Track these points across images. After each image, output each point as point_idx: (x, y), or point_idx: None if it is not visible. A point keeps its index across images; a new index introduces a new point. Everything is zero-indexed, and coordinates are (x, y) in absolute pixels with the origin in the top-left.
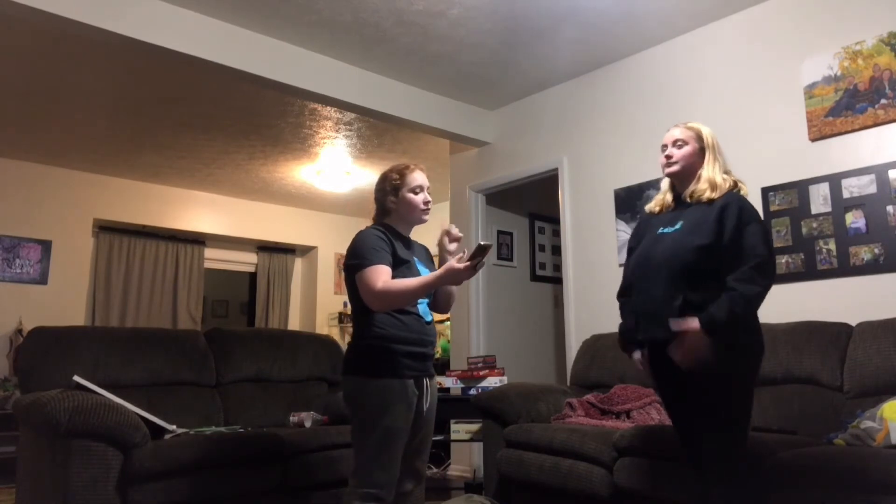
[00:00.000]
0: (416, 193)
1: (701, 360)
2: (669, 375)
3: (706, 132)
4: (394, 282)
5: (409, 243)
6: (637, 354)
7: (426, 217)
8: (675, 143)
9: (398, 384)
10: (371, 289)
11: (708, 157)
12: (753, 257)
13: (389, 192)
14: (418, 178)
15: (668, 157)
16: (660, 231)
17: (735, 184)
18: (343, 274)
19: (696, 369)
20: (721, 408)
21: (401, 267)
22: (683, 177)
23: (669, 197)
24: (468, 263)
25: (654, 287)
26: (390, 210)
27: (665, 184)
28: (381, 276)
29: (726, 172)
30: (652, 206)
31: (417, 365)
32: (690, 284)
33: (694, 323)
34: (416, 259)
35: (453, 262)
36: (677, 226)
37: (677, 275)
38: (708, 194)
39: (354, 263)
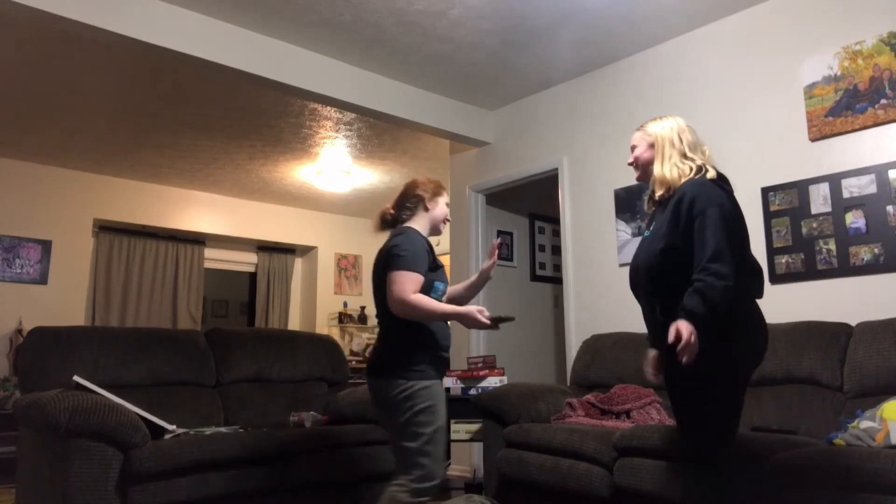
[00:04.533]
0: (447, 206)
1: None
2: (674, 378)
3: (655, 129)
4: (424, 298)
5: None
6: (652, 352)
7: (443, 230)
8: (632, 150)
9: (440, 385)
10: (403, 293)
11: (656, 155)
12: (707, 248)
13: (435, 194)
14: (447, 197)
15: (630, 163)
16: (643, 236)
17: (699, 169)
18: (376, 267)
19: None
20: (698, 407)
21: (437, 271)
22: (647, 179)
23: (650, 201)
24: (488, 322)
25: (641, 296)
26: (427, 210)
27: None
28: (416, 285)
29: (686, 158)
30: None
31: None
32: (666, 290)
33: (679, 324)
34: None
35: (476, 313)
36: (651, 229)
37: (652, 281)
38: (660, 193)
39: (399, 258)
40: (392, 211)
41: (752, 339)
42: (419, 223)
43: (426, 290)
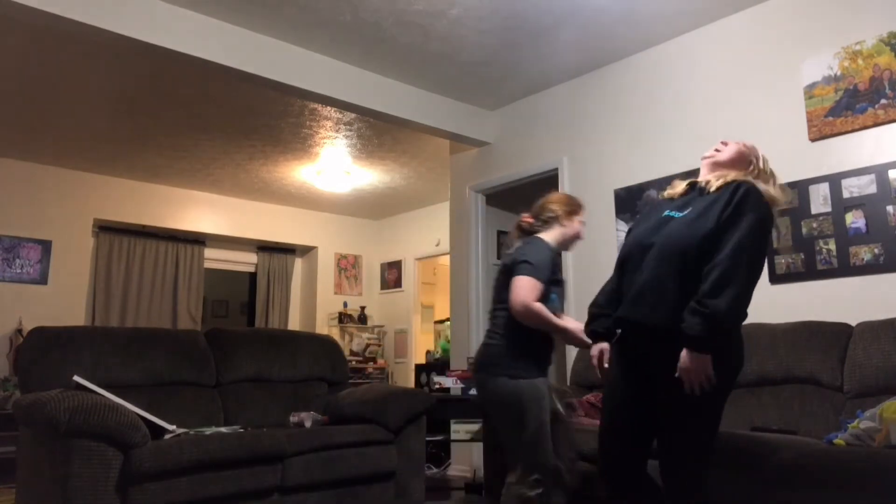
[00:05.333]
0: (582, 224)
1: (706, 376)
2: (637, 373)
3: (762, 155)
4: (543, 308)
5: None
6: (597, 347)
7: (572, 249)
8: (723, 143)
9: (544, 382)
10: (527, 299)
11: (751, 169)
12: (726, 258)
13: (572, 212)
14: (584, 216)
15: (717, 150)
16: (666, 213)
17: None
18: (502, 270)
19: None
20: (690, 423)
21: (558, 288)
22: (715, 168)
23: (684, 184)
24: (590, 340)
25: (647, 267)
26: (563, 226)
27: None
28: (537, 293)
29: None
30: (666, 192)
31: None
32: (692, 274)
33: (682, 356)
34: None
35: (581, 331)
36: (686, 211)
37: (675, 259)
38: (719, 183)
39: (526, 265)
40: (529, 220)
41: (736, 359)
42: (551, 235)
43: (542, 299)
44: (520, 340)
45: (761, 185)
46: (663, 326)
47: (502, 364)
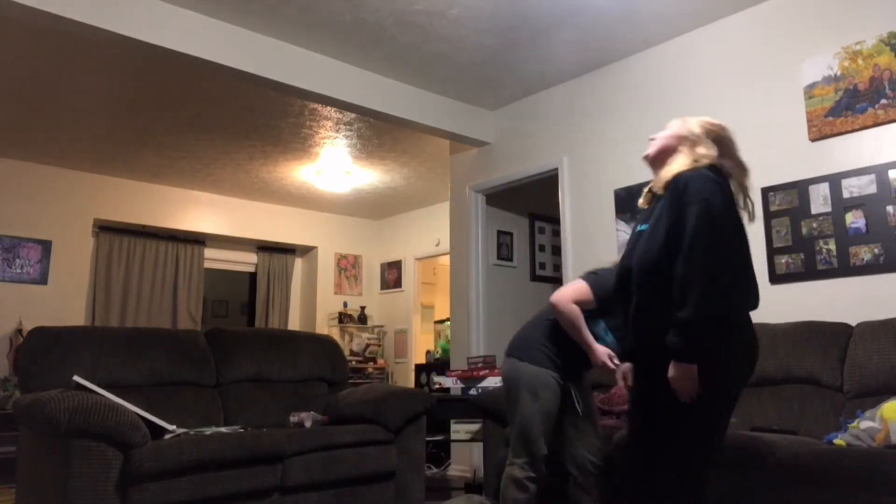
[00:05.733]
0: None
1: (694, 386)
2: (644, 389)
3: (694, 123)
4: (578, 313)
5: None
6: (621, 369)
7: None
8: (650, 139)
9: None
10: (566, 297)
11: (681, 147)
12: (681, 265)
13: None
14: None
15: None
16: (638, 228)
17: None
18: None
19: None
20: (682, 429)
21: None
22: (654, 166)
23: (645, 192)
24: (613, 368)
25: (634, 293)
26: None
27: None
28: (582, 297)
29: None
30: (640, 201)
31: None
32: (660, 292)
33: (670, 368)
34: None
35: (607, 357)
36: (650, 222)
37: (652, 279)
38: (662, 184)
39: (591, 274)
40: None
41: (734, 361)
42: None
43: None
44: (551, 331)
45: (702, 151)
46: (654, 346)
47: (521, 346)
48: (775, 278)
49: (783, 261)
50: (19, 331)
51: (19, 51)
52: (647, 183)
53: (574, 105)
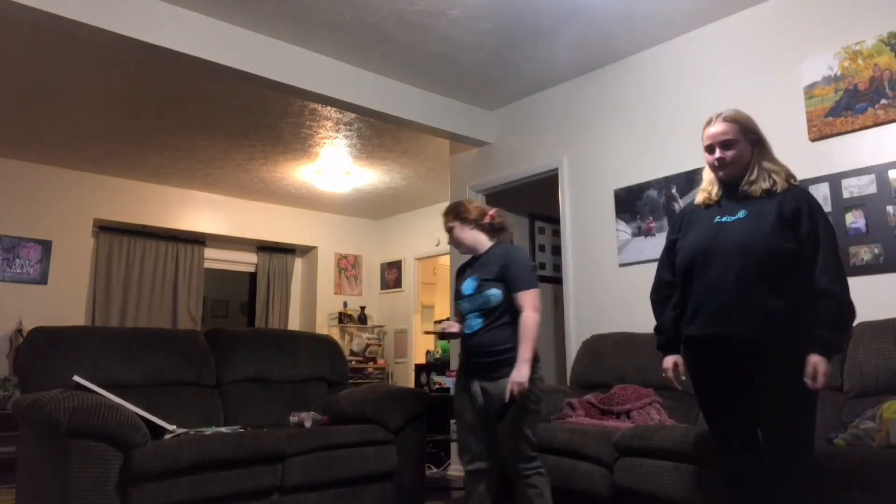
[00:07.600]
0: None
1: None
2: (722, 377)
3: (749, 121)
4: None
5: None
6: (671, 360)
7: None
8: (722, 144)
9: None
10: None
11: (759, 148)
12: (832, 260)
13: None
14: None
15: (721, 159)
16: (717, 220)
17: (788, 175)
18: None
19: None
20: (796, 415)
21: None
22: (735, 173)
23: (716, 189)
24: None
25: (727, 275)
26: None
27: (708, 174)
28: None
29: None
30: (699, 199)
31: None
32: (768, 279)
33: (816, 362)
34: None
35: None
36: (739, 215)
37: (753, 262)
38: (764, 186)
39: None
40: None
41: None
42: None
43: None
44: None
45: (781, 168)
46: (766, 338)
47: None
48: None
49: None
50: (19, 331)
51: (19, 51)
52: (647, 183)
53: (574, 105)
